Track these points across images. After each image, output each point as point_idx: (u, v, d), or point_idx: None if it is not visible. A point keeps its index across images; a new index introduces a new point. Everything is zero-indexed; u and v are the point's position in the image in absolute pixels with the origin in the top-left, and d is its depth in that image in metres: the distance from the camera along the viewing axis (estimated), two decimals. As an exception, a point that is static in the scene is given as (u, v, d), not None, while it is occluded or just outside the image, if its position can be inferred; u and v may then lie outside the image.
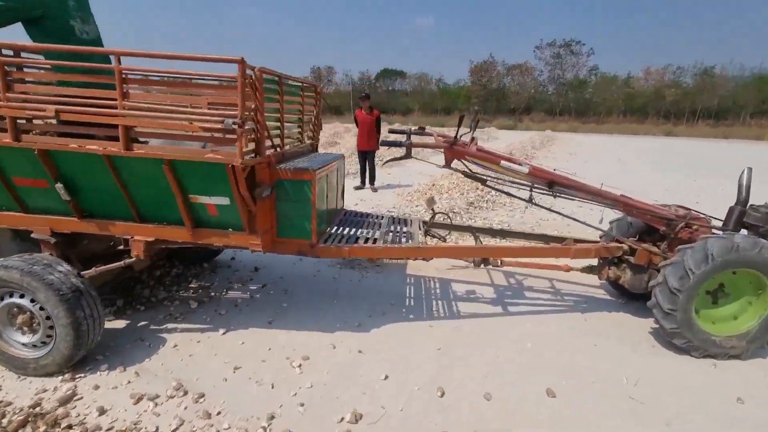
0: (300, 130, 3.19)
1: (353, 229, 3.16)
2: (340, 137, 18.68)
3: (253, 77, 2.16)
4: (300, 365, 2.60)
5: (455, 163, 2.77)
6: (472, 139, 2.91)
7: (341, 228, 3.19)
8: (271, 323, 3.11)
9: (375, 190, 8.02)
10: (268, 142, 2.51)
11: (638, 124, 36.02)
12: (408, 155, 2.67)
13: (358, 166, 8.18)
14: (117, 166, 2.25)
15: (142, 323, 3.10)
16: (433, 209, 3.23)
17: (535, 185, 2.81)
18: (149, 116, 2.08)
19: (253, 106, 2.20)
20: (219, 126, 2.04)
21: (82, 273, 2.52)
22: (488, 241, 3.94)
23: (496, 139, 22.00)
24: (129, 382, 2.44)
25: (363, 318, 3.18)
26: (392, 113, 46.17)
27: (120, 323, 3.10)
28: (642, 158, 15.17)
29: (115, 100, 2.06)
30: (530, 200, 2.78)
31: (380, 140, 2.59)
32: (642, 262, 2.85)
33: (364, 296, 3.55)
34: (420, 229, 3.34)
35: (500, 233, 3.36)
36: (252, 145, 2.30)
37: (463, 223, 5.60)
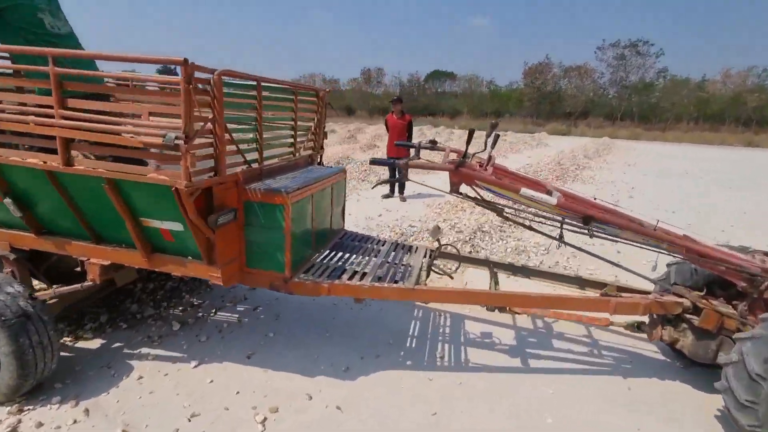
0: (293, 140, 2.82)
1: (345, 257, 2.73)
2: (381, 140, 18.30)
3: (211, 83, 1.80)
4: (264, 420, 2.21)
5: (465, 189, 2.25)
6: (489, 158, 2.37)
7: (332, 254, 2.78)
8: (250, 358, 2.76)
9: (404, 199, 7.56)
10: (236, 158, 2.15)
11: (712, 132, 32.38)
12: (405, 176, 2.19)
13: (388, 174, 7.76)
14: (62, 183, 1.98)
15: (117, 345, 2.87)
16: (438, 240, 2.72)
17: (568, 219, 2.22)
18: (88, 128, 1.77)
19: (210, 117, 1.84)
20: (159, 141, 1.69)
21: (36, 295, 2.31)
22: (509, 279, 3.33)
23: (546, 145, 20.63)
24: (75, 421, 2.17)
25: (353, 360, 2.74)
26: (440, 115, 45.31)
27: (95, 343, 2.89)
28: (715, 171, 13.40)
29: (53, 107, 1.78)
30: (560, 238, 2.20)
31: (370, 159, 2.13)
32: (710, 326, 2.17)
33: (362, 330, 3.10)
34: (426, 257, 2.84)
35: (522, 271, 2.77)
36: (211, 163, 1.94)
37: (491, 246, 4.99)
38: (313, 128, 3.14)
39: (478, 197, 2.28)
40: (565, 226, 2.21)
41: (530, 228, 2.29)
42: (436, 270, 2.60)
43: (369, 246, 2.96)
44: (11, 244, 2.34)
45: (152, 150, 1.79)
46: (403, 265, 2.65)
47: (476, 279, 3.82)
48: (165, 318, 3.23)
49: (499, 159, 15.43)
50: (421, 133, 23.51)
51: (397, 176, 7.57)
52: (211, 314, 3.32)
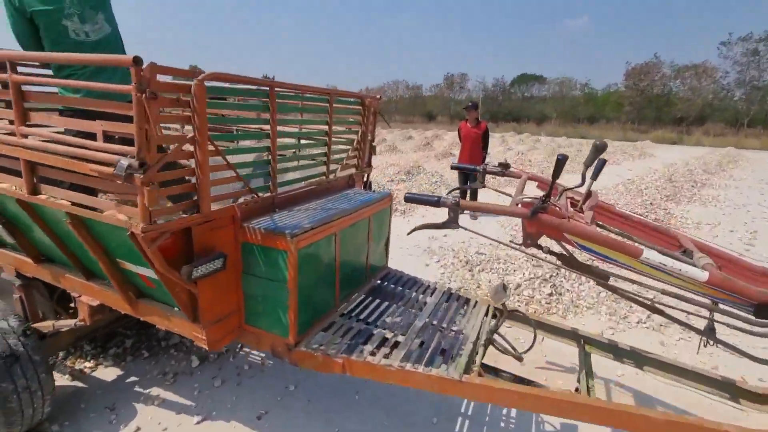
0: (326, 159, 2.30)
1: (380, 310, 2.13)
2: (457, 147, 17.40)
3: (193, 91, 1.33)
4: None
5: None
6: (588, 195, 1.59)
7: (365, 303, 2.19)
8: (261, 419, 2.29)
9: (475, 217, 6.73)
10: (234, 185, 1.68)
11: None
12: (452, 221, 1.51)
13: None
14: (36, 212, 1.68)
15: (130, 380, 2.61)
16: (503, 306, 1.96)
17: (723, 302, 1.36)
18: (48, 149, 1.41)
19: (188, 136, 1.38)
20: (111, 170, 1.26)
21: (35, 326, 2.09)
22: (607, 366, 2.42)
23: (651, 156, 17.87)
24: (50, 483, 1.88)
25: (381, 443, 2.12)
26: (525, 121, 42.59)
27: (111, 373, 2.67)
28: None
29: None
30: (708, 334, 1.36)
31: (405, 195, 1.50)
32: None
33: (400, 397, 2.47)
34: (487, 316, 2.12)
35: (632, 357, 1.90)
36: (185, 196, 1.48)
37: (578, 288, 3.99)
38: (355, 143, 2.59)
39: (566, 254, 1.53)
40: (718, 310, 1.35)
41: (656, 311, 1.46)
42: (498, 346, 1.88)
43: (414, 295, 2.32)
44: (17, 269, 2.14)
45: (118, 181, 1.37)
46: (452, 330, 1.97)
47: (559, 351, 2.89)
48: (188, 349, 2.93)
49: (589, 172, 13.41)
50: (503, 140, 22.06)
51: (467, 198, 6.77)
52: (238, 350, 2.94)
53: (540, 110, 46.94)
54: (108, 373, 2.67)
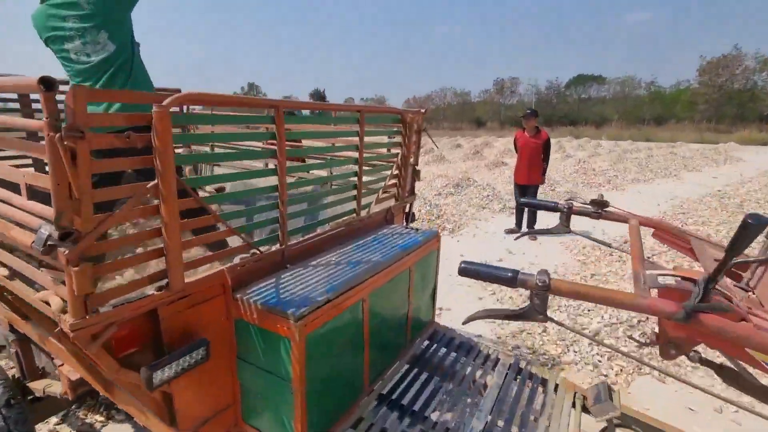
0: (356, 192, 1.83)
1: (425, 394, 1.61)
2: (509, 155, 16.35)
3: (153, 123, 0.93)
4: None
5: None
6: (763, 263, 0.98)
7: (406, 382, 1.68)
8: None
9: (535, 237, 5.98)
10: (226, 243, 1.25)
11: None
12: (537, 311, 0.95)
13: (513, 203, 6.28)
14: (-6, 273, 1.36)
15: (139, 441, 2.30)
16: (610, 420, 1.31)
17: None
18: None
19: (149, 185, 0.97)
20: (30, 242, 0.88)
21: (29, 384, 1.84)
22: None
23: (739, 160, 15.68)
24: None
25: None
26: (583, 124, 40.07)
27: (121, 431, 2.37)
28: None
29: None
30: None
31: (460, 267, 0.98)
32: None
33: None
34: (573, 409, 1.53)
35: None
36: (155, 265, 1.07)
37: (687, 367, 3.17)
38: (394, 168, 2.11)
39: (734, 369, 0.93)
40: None
41: None
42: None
43: (468, 369, 1.77)
44: (11, 323, 1.89)
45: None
46: (527, 438, 1.40)
47: None
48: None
49: (665, 180, 11.72)
50: (560, 146, 20.61)
51: (525, 217, 6.03)
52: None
53: (599, 112, 44.03)
54: (118, 430, 2.39)
